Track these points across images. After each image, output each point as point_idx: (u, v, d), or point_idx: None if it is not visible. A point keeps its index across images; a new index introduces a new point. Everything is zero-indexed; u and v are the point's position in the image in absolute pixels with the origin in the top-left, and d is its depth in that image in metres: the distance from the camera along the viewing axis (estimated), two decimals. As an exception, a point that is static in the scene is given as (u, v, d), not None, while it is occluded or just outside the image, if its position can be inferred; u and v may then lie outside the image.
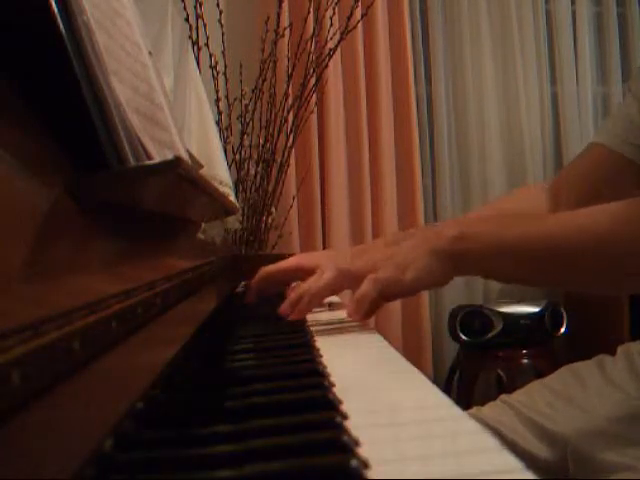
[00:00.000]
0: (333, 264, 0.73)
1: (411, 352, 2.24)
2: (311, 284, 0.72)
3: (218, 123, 1.74)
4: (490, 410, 0.87)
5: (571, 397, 0.83)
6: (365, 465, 0.29)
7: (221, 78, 1.76)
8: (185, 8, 1.63)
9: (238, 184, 1.80)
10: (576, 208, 0.92)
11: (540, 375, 1.02)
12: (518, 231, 0.67)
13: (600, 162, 0.90)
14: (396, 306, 2.28)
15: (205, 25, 1.69)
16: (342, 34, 1.88)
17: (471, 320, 2.12)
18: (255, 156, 1.84)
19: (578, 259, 0.65)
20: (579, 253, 0.65)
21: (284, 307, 0.73)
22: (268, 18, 1.87)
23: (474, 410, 0.88)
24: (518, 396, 0.89)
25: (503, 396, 0.90)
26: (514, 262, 0.67)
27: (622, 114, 0.89)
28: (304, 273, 0.91)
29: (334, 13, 1.92)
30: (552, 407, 0.83)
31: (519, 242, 0.67)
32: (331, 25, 1.90)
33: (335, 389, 0.42)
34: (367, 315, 0.69)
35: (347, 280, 0.70)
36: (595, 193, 0.90)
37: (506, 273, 0.70)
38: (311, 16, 1.97)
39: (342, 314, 0.86)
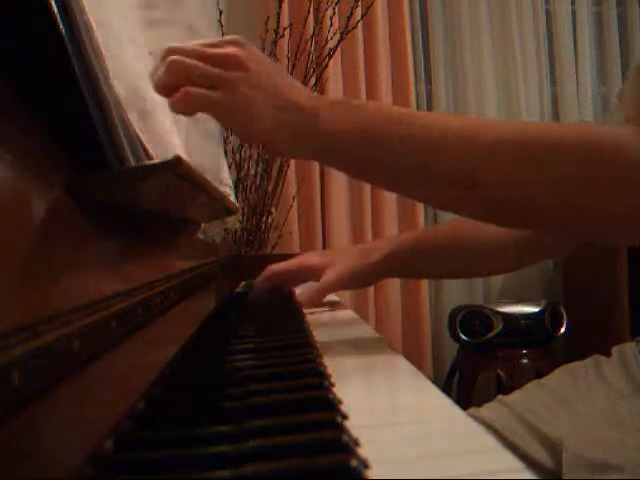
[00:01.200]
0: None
1: (411, 352, 2.24)
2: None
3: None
4: (487, 411, 0.87)
5: (565, 397, 0.84)
6: (365, 465, 0.29)
7: (221, 78, 1.75)
8: (185, 8, 1.63)
9: (238, 184, 1.80)
10: None
11: (540, 375, 1.02)
12: (392, 128, 0.54)
13: None
14: (396, 306, 2.28)
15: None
16: (342, 34, 1.88)
17: (471, 320, 2.12)
18: (255, 156, 1.84)
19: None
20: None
21: None
22: (268, 18, 1.86)
23: (472, 410, 0.88)
24: (515, 397, 0.89)
25: (500, 397, 0.90)
26: (382, 160, 0.55)
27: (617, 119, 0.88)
28: (311, 272, 0.92)
29: (334, 13, 1.92)
30: (548, 408, 0.83)
31: (393, 137, 0.53)
32: (331, 25, 1.90)
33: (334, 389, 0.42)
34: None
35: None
36: None
37: (368, 168, 0.57)
38: (311, 16, 1.97)
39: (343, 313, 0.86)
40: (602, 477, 0.67)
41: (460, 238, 0.92)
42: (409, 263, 0.93)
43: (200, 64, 0.55)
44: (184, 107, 0.56)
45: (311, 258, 0.96)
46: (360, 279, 0.92)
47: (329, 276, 0.89)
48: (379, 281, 0.99)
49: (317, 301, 0.90)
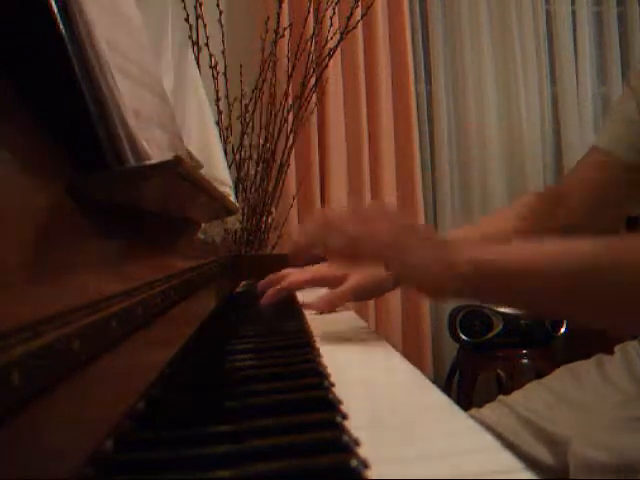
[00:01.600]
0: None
1: (411, 352, 2.24)
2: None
3: (218, 123, 1.74)
4: (489, 411, 0.87)
5: (569, 397, 0.83)
6: (365, 465, 0.29)
7: (221, 78, 1.76)
8: (185, 8, 1.63)
9: (238, 184, 1.80)
10: (584, 210, 0.90)
11: (540, 375, 1.02)
12: (541, 259, 0.62)
13: (600, 166, 0.90)
14: (396, 306, 2.28)
15: (205, 25, 1.69)
16: (342, 34, 1.88)
17: (471, 320, 2.12)
18: (255, 156, 1.84)
19: (605, 296, 0.60)
20: (607, 290, 0.60)
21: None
22: (268, 18, 1.87)
23: (473, 411, 0.88)
24: (516, 397, 0.88)
25: (501, 397, 0.90)
26: (532, 292, 0.63)
27: (620, 114, 0.89)
28: (330, 282, 0.92)
29: (334, 13, 1.92)
30: (550, 408, 0.83)
31: (541, 271, 0.62)
32: (331, 25, 1.90)
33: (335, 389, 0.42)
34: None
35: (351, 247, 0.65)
36: (600, 195, 0.90)
37: (520, 301, 0.67)
38: (311, 16, 1.97)
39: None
40: (609, 477, 0.67)
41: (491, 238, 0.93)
42: None
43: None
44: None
45: (330, 268, 0.95)
46: (380, 286, 0.91)
47: (351, 281, 0.89)
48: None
49: (337, 305, 0.89)
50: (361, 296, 0.93)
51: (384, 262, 0.65)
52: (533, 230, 0.93)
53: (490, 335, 2.08)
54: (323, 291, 0.96)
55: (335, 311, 0.89)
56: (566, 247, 0.63)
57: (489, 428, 0.81)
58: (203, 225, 0.93)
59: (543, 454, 0.79)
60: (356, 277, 0.89)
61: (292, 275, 0.93)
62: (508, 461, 0.29)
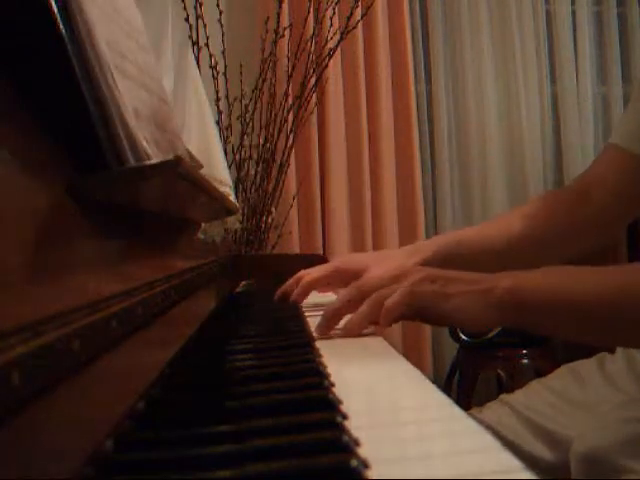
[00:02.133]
0: (374, 275, 0.70)
1: (411, 352, 2.24)
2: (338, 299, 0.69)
3: (218, 123, 1.74)
4: (490, 411, 0.87)
5: (571, 397, 0.83)
6: (365, 465, 0.29)
7: (221, 78, 1.76)
8: (185, 8, 1.63)
9: (238, 184, 1.80)
10: (610, 200, 0.89)
11: (540, 375, 1.02)
12: (580, 288, 0.62)
13: (617, 163, 0.90)
14: (396, 306, 2.28)
15: (205, 25, 1.69)
16: (342, 34, 1.88)
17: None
18: (255, 156, 1.84)
19: None
20: None
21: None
22: (268, 18, 1.87)
23: (474, 411, 0.88)
24: (518, 396, 0.88)
25: (503, 396, 0.90)
26: (573, 321, 0.62)
27: (634, 111, 0.88)
28: (346, 277, 0.88)
29: (334, 13, 1.92)
30: (552, 407, 0.83)
31: (581, 300, 0.61)
32: (331, 25, 1.90)
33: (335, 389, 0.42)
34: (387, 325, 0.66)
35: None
36: (620, 194, 0.90)
37: (561, 331, 0.66)
38: (311, 16, 1.97)
39: None
40: (611, 477, 0.67)
41: (501, 241, 0.93)
42: (451, 264, 0.93)
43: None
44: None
45: (353, 260, 0.93)
46: None
47: (373, 273, 0.86)
48: None
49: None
50: None
51: (421, 313, 0.65)
52: (546, 227, 0.93)
53: (490, 335, 2.08)
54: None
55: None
56: (600, 273, 0.63)
57: (489, 428, 0.81)
58: (203, 225, 0.93)
59: (544, 453, 0.79)
60: (384, 264, 0.87)
61: (309, 275, 0.91)
62: (508, 461, 0.29)
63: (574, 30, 2.54)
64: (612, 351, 0.88)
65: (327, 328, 0.68)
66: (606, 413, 0.76)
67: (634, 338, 0.64)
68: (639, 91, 0.89)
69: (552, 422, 0.81)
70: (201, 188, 0.58)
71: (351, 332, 0.67)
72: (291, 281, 0.92)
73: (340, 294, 0.70)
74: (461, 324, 0.67)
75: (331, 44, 1.91)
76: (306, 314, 0.83)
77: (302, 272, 0.93)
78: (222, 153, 1.30)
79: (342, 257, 0.98)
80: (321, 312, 0.73)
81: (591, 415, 0.77)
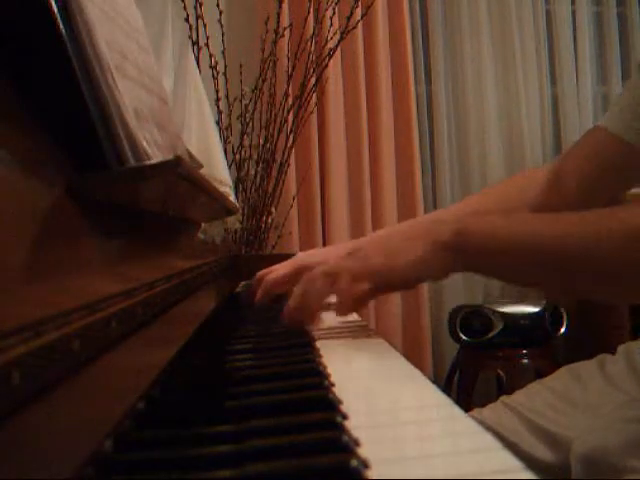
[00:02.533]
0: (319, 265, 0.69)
1: (411, 352, 2.24)
2: (295, 294, 0.69)
3: (218, 123, 1.74)
4: (490, 412, 0.87)
5: (571, 398, 0.83)
6: (365, 465, 0.29)
7: (221, 78, 1.76)
8: (185, 8, 1.63)
9: (238, 184, 1.80)
10: (579, 191, 0.89)
11: (540, 375, 1.02)
12: (526, 229, 0.63)
13: (601, 146, 0.89)
14: (396, 306, 2.28)
15: (205, 25, 1.69)
16: (342, 34, 1.88)
17: (471, 320, 2.12)
18: (255, 156, 1.84)
19: (592, 264, 0.60)
20: (596, 258, 0.60)
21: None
22: (268, 18, 1.87)
23: (475, 412, 0.88)
24: (518, 397, 0.88)
25: (503, 397, 0.89)
26: (518, 261, 0.63)
27: (628, 99, 0.88)
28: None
29: (334, 13, 1.92)
30: (552, 408, 0.83)
31: (527, 240, 0.62)
32: (331, 25, 1.90)
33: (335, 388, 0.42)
34: (354, 308, 0.67)
35: (329, 280, 0.66)
36: (598, 176, 0.89)
37: (508, 272, 0.67)
38: (311, 16, 1.97)
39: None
40: (611, 477, 0.66)
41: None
42: None
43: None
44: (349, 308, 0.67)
45: (304, 259, 0.89)
46: None
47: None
48: None
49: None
50: None
51: (374, 278, 0.64)
52: (520, 208, 0.92)
53: (490, 335, 2.08)
54: None
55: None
56: (554, 216, 0.64)
57: (490, 428, 0.81)
58: (203, 225, 0.93)
59: (545, 454, 0.79)
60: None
61: (269, 276, 0.87)
62: (508, 461, 0.29)
63: (574, 30, 2.54)
64: (611, 351, 0.88)
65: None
66: (606, 414, 0.76)
67: (577, 284, 0.64)
68: (635, 78, 0.88)
69: (552, 423, 0.80)
70: (201, 188, 0.58)
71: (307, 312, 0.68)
72: (254, 283, 0.90)
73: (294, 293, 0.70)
74: (419, 278, 0.66)
75: (331, 44, 1.91)
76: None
77: (262, 272, 0.90)
78: (222, 153, 1.30)
79: (305, 253, 0.95)
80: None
81: (591, 416, 0.77)
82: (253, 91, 1.83)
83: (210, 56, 1.72)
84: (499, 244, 0.63)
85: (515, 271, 0.66)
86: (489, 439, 0.33)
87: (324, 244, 2.25)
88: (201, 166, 0.99)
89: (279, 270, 0.88)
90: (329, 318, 0.75)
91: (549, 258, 0.62)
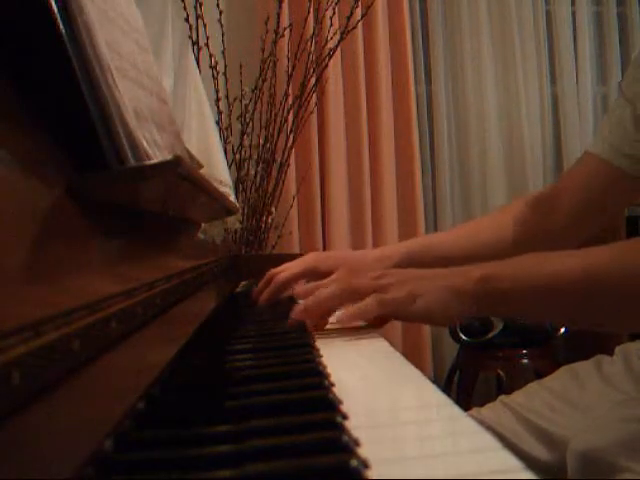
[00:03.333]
0: (344, 276, 0.71)
1: (411, 352, 2.24)
2: (315, 296, 0.71)
3: (218, 123, 1.74)
4: (489, 411, 0.87)
5: (570, 398, 0.83)
6: (365, 465, 0.29)
7: (221, 78, 1.76)
8: (185, 8, 1.63)
9: (238, 184, 1.80)
10: (572, 217, 0.91)
11: (540, 375, 1.02)
12: (550, 270, 0.63)
13: (593, 172, 0.90)
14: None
15: (205, 25, 1.69)
16: (342, 34, 1.88)
17: (471, 320, 2.12)
18: (255, 156, 1.84)
19: (620, 300, 0.61)
20: (621, 293, 0.60)
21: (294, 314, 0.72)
22: (268, 18, 1.87)
23: (473, 411, 0.88)
24: (517, 397, 0.88)
25: (502, 397, 0.90)
26: (546, 303, 0.63)
27: (616, 120, 0.89)
28: (319, 277, 0.86)
29: (334, 13, 1.92)
30: (551, 408, 0.83)
31: (552, 282, 0.62)
32: (331, 25, 1.90)
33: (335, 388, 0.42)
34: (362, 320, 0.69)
35: (352, 297, 0.68)
36: (591, 202, 0.91)
37: (535, 314, 0.68)
38: (311, 16, 1.97)
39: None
40: (610, 477, 0.66)
41: (472, 246, 0.95)
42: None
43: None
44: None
45: (320, 261, 0.91)
46: None
47: None
48: None
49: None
50: None
51: (391, 309, 0.65)
52: (532, 235, 0.93)
53: (490, 335, 2.08)
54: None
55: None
56: (573, 255, 0.64)
57: (489, 428, 0.81)
58: (203, 225, 0.93)
59: (543, 454, 0.79)
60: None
61: (281, 275, 0.89)
62: (508, 461, 0.29)
63: (574, 30, 2.54)
64: (609, 352, 0.88)
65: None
66: (603, 413, 0.76)
67: (605, 317, 0.64)
68: (620, 97, 0.89)
69: (550, 422, 0.81)
70: (201, 188, 0.58)
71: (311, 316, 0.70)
72: (263, 282, 0.91)
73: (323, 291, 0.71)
74: (432, 322, 0.69)
75: (331, 44, 1.91)
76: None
77: (273, 271, 0.91)
78: (222, 153, 1.30)
79: (317, 255, 0.96)
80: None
81: (589, 415, 0.78)
82: (253, 91, 1.83)
83: (210, 56, 1.72)
84: (528, 287, 0.63)
85: (546, 312, 0.67)
86: (489, 439, 0.33)
87: (324, 244, 2.25)
88: (201, 166, 0.99)
89: (291, 269, 0.89)
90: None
91: (577, 297, 0.62)
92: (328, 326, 0.73)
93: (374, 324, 0.72)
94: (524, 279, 0.63)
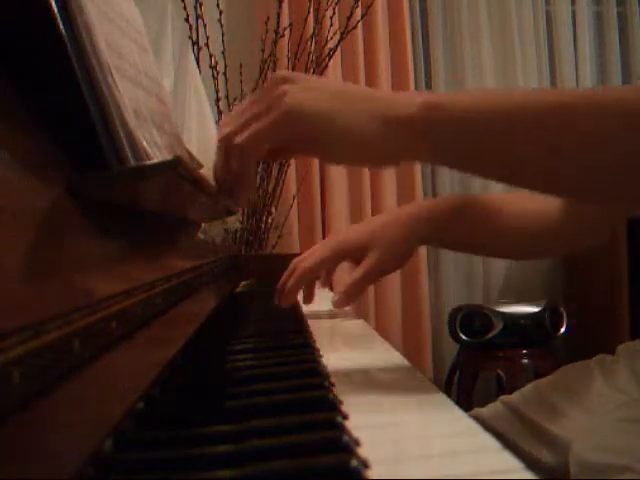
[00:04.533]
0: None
1: (411, 352, 2.24)
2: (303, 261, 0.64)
3: (218, 123, 1.74)
4: (490, 411, 0.87)
5: (571, 398, 0.83)
6: (365, 465, 0.29)
7: (221, 78, 1.76)
8: (185, 8, 1.63)
9: (238, 184, 1.80)
10: (597, 209, 0.77)
11: (540, 375, 1.02)
12: (518, 99, 0.51)
13: None
14: (396, 305, 2.28)
15: (205, 25, 1.69)
16: (342, 34, 1.88)
17: (471, 320, 2.12)
18: (255, 156, 1.84)
19: (598, 143, 0.48)
20: (600, 128, 0.47)
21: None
22: (268, 18, 1.86)
23: (474, 412, 0.88)
24: (518, 397, 0.88)
25: (503, 397, 0.90)
26: (510, 137, 0.50)
27: None
28: (351, 256, 0.79)
29: (334, 13, 1.92)
30: (552, 408, 0.83)
31: (520, 111, 0.49)
32: (331, 25, 1.90)
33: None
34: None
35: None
36: None
37: (486, 154, 0.52)
38: (311, 16, 1.97)
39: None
40: (611, 477, 0.66)
41: (506, 213, 0.82)
42: (456, 234, 0.82)
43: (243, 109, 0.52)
44: (250, 149, 0.52)
45: (348, 238, 0.80)
46: (407, 254, 0.79)
47: (372, 259, 0.76)
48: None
49: (358, 294, 0.76)
50: (390, 270, 0.80)
51: (297, 138, 0.51)
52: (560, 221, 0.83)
53: (490, 335, 2.08)
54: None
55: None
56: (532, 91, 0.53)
57: (489, 428, 0.81)
58: (203, 225, 0.93)
59: (544, 455, 0.79)
60: (382, 245, 0.76)
61: (303, 263, 0.78)
62: (508, 461, 0.29)
63: (574, 30, 2.54)
64: (611, 351, 0.88)
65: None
66: (606, 414, 0.76)
67: (568, 164, 0.51)
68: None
69: (551, 423, 0.80)
70: (201, 188, 0.58)
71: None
72: (286, 274, 0.81)
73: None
74: (358, 157, 0.52)
75: (331, 44, 1.91)
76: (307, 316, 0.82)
77: (296, 261, 0.81)
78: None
79: (337, 235, 0.85)
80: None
81: (591, 416, 0.77)
82: (253, 91, 1.83)
83: (210, 56, 1.72)
84: (480, 117, 0.50)
85: (496, 152, 0.52)
86: (489, 439, 0.33)
87: (324, 244, 2.25)
88: (201, 166, 0.99)
89: (315, 254, 0.79)
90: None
91: (539, 131, 0.49)
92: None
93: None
94: (482, 109, 0.50)
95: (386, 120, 0.48)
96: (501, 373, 2.07)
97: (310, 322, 0.76)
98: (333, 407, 0.38)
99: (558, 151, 0.50)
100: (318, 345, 0.60)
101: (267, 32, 1.86)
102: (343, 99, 0.50)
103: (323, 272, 0.83)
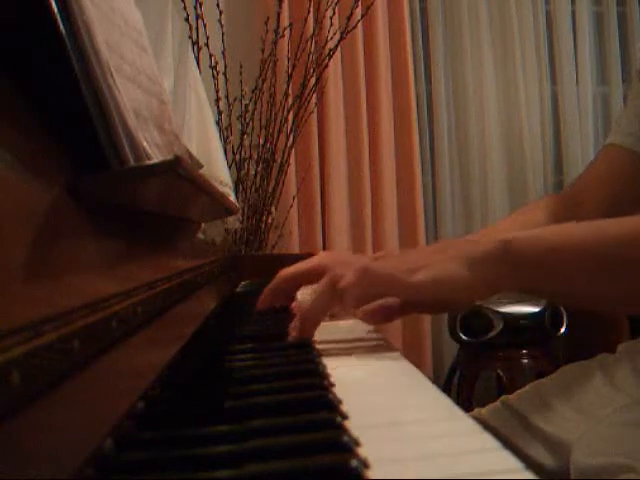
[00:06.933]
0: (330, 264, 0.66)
1: (411, 352, 2.24)
2: (302, 308, 0.64)
3: (218, 123, 1.74)
4: (490, 412, 0.87)
5: (571, 398, 0.83)
6: (365, 465, 0.29)
7: (221, 78, 1.76)
8: (185, 8, 1.63)
9: (238, 184, 1.80)
10: (599, 214, 0.86)
11: (540, 375, 1.02)
12: (589, 232, 0.55)
13: (616, 163, 0.88)
14: (396, 306, 2.28)
15: (205, 25, 1.69)
16: (342, 34, 1.88)
17: (471, 320, 2.12)
18: (255, 156, 1.84)
19: None
20: None
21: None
22: (268, 18, 1.87)
23: (474, 412, 0.88)
24: (518, 397, 0.88)
25: (503, 398, 0.89)
26: (581, 267, 0.54)
27: (633, 109, 0.87)
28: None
29: (334, 13, 1.92)
30: (552, 409, 0.83)
31: (593, 243, 0.54)
32: (331, 25, 1.90)
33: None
34: (380, 321, 0.62)
35: (334, 295, 0.59)
36: (615, 196, 0.88)
37: (570, 284, 0.56)
38: (311, 16, 1.97)
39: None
40: (612, 477, 0.66)
41: None
42: None
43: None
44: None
45: (328, 259, 0.76)
46: None
47: None
48: None
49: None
50: None
51: (399, 291, 0.56)
52: None
53: (490, 335, 2.08)
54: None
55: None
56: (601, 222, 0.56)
57: (490, 428, 0.81)
58: (203, 225, 0.93)
59: (544, 455, 0.79)
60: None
61: (288, 269, 0.77)
62: (508, 461, 0.29)
63: (574, 30, 2.54)
64: (611, 351, 0.88)
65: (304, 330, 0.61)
66: (607, 415, 0.75)
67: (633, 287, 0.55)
68: (637, 86, 0.88)
69: (552, 424, 0.80)
70: (201, 188, 0.58)
71: (310, 321, 0.60)
72: (272, 283, 0.78)
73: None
74: (441, 294, 0.55)
75: (331, 44, 1.91)
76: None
77: (283, 270, 0.78)
78: (222, 153, 1.30)
79: (331, 254, 0.84)
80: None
81: (592, 417, 0.77)
82: (253, 91, 1.83)
83: (210, 56, 1.72)
84: (558, 251, 0.54)
85: (577, 281, 0.56)
86: (489, 439, 0.33)
87: (324, 244, 2.25)
88: (201, 166, 0.99)
89: (300, 265, 0.77)
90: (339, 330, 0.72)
91: (616, 258, 0.54)
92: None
93: (373, 319, 0.63)
94: (553, 244, 0.54)
95: (469, 261, 0.53)
96: (501, 373, 2.07)
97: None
98: (333, 407, 0.38)
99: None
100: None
101: (267, 32, 1.86)
102: (436, 254, 0.56)
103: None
